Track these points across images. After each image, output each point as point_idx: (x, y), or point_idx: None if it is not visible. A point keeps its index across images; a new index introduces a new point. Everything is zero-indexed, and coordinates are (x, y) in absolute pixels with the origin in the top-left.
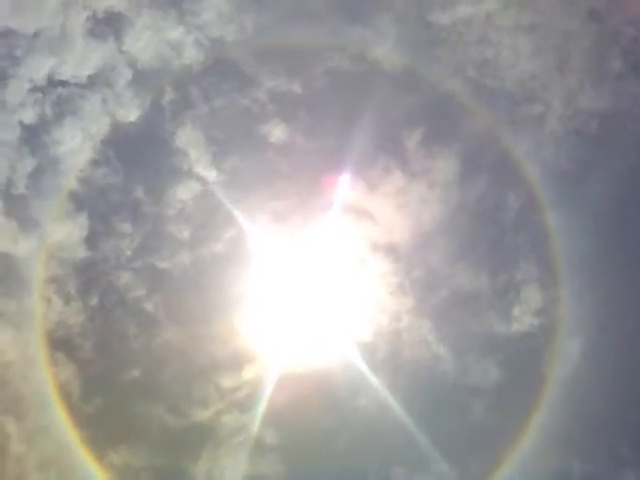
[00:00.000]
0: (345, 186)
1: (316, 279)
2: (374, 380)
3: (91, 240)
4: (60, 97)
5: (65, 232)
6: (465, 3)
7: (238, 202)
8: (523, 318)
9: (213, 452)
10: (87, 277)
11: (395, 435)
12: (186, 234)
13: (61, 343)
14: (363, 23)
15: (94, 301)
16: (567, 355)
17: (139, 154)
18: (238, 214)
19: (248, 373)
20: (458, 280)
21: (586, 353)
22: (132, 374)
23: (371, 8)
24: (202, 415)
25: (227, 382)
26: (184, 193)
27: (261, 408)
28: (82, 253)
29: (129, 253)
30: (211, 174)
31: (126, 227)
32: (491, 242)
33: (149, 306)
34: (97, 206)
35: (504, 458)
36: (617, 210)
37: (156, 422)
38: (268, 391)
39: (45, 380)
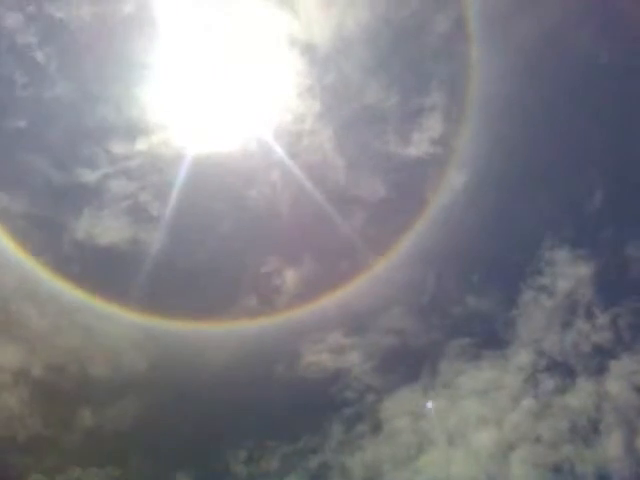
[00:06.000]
0: None
1: (228, 64)
2: (269, 174)
3: None
4: None
5: None
6: None
7: None
8: (420, 144)
9: (96, 213)
10: None
11: (276, 228)
12: None
13: None
14: None
15: None
16: (450, 185)
17: None
18: None
19: (142, 144)
20: (368, 94)
21: (467, 187)
22: (16, 123)
23: None
24: (89, 176)
25: (119, 148)
26: None
27: (152, 180)
28: None
29: None
30: None
31: None
32: (409, 62)
33: (40, 56)
34: None
35: (371, 265)
36: (542, 56)
37: (39, 174)
38: (163, 165)
39: None
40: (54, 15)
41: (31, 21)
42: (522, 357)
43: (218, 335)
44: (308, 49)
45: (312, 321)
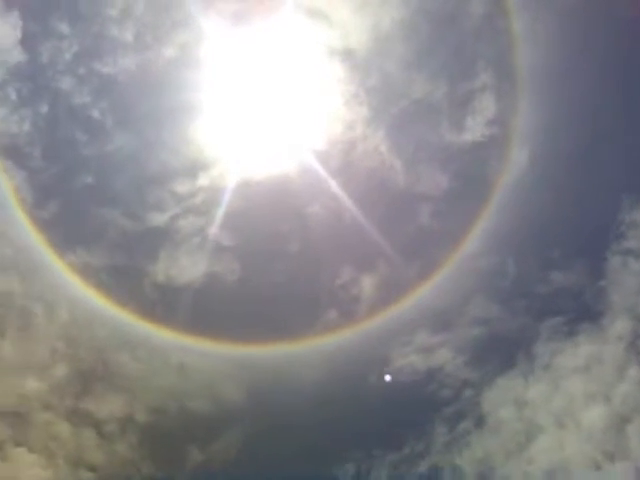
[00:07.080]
0: None
1: (272, 86)
2: (328, 187)
3: (27, 42)
4: None
5: None
6: None
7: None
8: (476, 128)
9: (171, 253)
10: (27, 83)
11: (344, 238)
12: (130, 36)
13: (8, 151)
14: None
15: (38, 108)
16: (514, 164)
17: None
18: (192, 15)
19: (203, 179)
20: (415, 89)
21: (533, 162)
22: (85, 180)
23: None
24: (158, 219)
25: (182, 188)
26: None
27: (218, 212)
28: (18, 56)
29: (69, 57)
30: None
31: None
32: (451, 49)
33: (96, 113)
34: (30, 4)
35: (446, 258)
36: (585, 17)
37: (113, 226)
38: (225, 196)
39: None
40: (102, 72)
41: (83, 81)
42: (619, 326)
43: (305, 354)
44: (347, 55)
45: (396, 324)
